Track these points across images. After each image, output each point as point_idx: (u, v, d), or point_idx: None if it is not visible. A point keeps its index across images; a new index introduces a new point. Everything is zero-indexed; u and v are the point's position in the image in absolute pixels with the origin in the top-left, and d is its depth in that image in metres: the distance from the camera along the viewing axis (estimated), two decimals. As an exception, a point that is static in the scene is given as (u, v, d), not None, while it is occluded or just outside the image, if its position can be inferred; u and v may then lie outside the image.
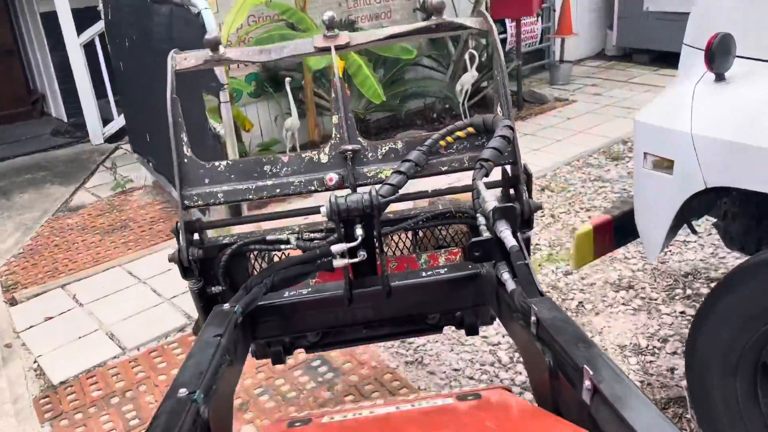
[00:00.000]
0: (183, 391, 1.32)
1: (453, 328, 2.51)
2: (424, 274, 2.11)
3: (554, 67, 9.27)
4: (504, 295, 1.71)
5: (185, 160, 2.11)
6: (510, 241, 1.57)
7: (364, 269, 2.03)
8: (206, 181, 2.11)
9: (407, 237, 2.42)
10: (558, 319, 1.42)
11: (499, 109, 2.15)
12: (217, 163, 2.13)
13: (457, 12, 7.31)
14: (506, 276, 1.67)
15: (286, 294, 2.06)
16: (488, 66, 7.05)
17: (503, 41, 8.42)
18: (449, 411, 1.31)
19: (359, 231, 1.85)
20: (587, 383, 1.18)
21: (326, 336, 2.40)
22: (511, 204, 1.76)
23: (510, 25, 8.33)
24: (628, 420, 1.05)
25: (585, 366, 1.18)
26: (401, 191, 1.95)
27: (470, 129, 2.10)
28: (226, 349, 1.59)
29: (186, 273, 2.08)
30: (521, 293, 1.58)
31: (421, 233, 2.43)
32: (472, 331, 2.43)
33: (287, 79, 5.80)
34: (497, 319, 2.07)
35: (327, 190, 2.08)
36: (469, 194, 1.96)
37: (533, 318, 1.46)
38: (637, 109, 3.10)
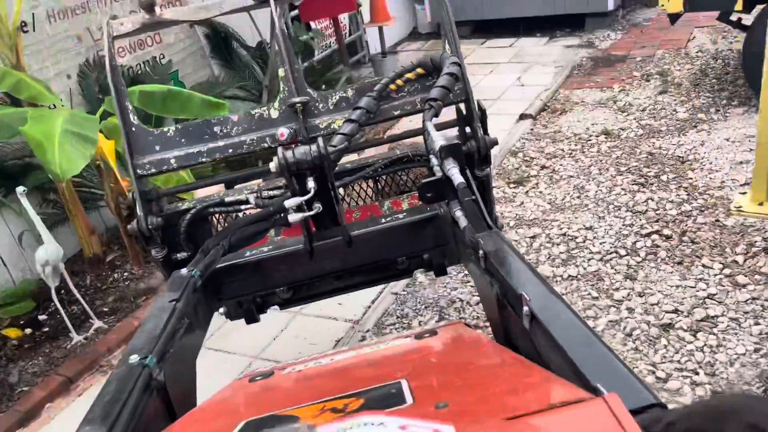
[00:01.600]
0: (134, 358, 1.30)
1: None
2: (383, 220, 2.10)
3: (378, 62, 7.64)
4: (458, 232, 1.70)
5: (133, 129, 2.06)
6: (457, 178, 1.57)
7: (326, 221, 1.97)
8: (157, 147, 2.05)
9: (368, 186, 2.43)
10: (501, 250, 1.42)
11: (447, 46, 2.13)
12: (165, 129, 2.09)
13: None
14: (458, 213, 1.67)
15: (248, 253, 2.05)
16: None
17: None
18: (406, 351, 1.35)
19: (311, 183, 1.80)
20: (525, 309, 1.19)
21: (298, 291, 2.34)
22: (456, 142, 1.73)
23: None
24: (560, 341, 1.05)
25: (523, 293, 1.19)
26: (354, 139, 1.93)
27: (419, 70, 2.07)
28: (183, 313, 1.57)
29: (148, 242, 2.04)
30: (470, 229, 1.58)
31: (382, 181, 2.43)
32: (441, 272, 2.38)
33: (20, 191, 3.50)
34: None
35: (280, 145, 1.97)
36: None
37: (481, 252, 1.46)
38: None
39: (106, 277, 4.74)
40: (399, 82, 2.06)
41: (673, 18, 5.59)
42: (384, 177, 2.38)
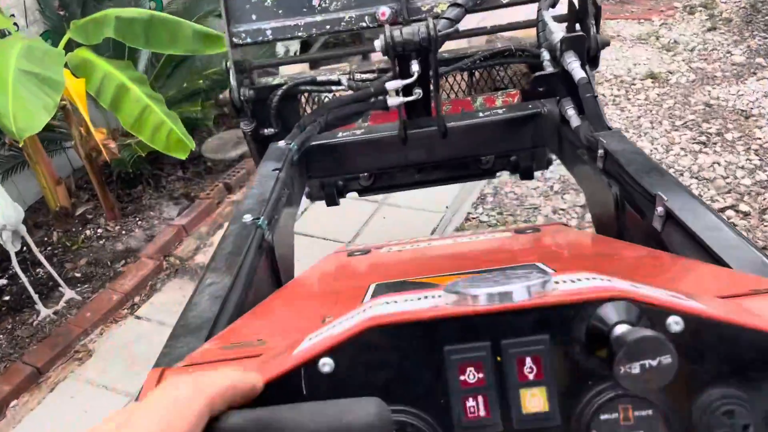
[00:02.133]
0: (248, 217, 1.33)
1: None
2: (481, 114, 2.00)
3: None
4: (567, 132, 1.66)
5: None
6: (578, 73, 1.52)
7: (419, 110, 1.96)
8: (253, 17, 2.00)
9: (462, 78, 2.33)
10: (628, 150, 1.38)
11: None
12: None
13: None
14: (571, 112, 1.62)
15: (340, 134, 2.00)
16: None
17: None
18: (510, 240, 1.37)
19: (415, 67, 1.74)
20: (660, 210, 1.15)
21: (378, 179, 2.35)
22: (581, 33, 1.66)
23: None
24: (705, 240, 1.00)
25: (659, 192, 1.15)
26: (459, 26, 1.84)
27: None
28: (284, 182, 1.60)
29: (239, 113, 2.01)
30: (588, 127, 1.53)
31: (477, 74, 2.34)
32: (527, 176, 2.34)
33: None
34: (554, 161, 2.16)
35: (380, 25, 1.97)
36: (531, 32, 1.95)
37: (600, 151, 1.42)
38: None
39: (76, 234, 4.03)
40: None
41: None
42: (480, 70, 2.31)
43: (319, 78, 2.08)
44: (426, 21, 1.72)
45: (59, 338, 3.25)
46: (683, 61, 4.96)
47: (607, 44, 2.00)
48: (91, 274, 3.75)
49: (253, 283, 1.20)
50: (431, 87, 1.87)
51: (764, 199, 3.42)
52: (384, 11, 1.99)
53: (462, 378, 0.61)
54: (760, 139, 3.92)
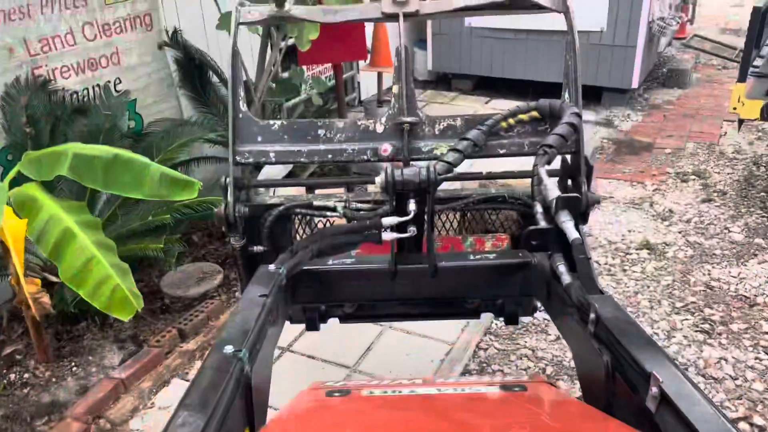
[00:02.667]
0: (229, 348, 1.31)
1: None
2: (472, 257, 2.03)
3: (371, 109, 6.69)
4: (557, 288, 1.69)
5: (240, 116, 2.04)
6: (572, 233, 1.55)
7: (410, 246, 2.01)
8: (259, 138, 2.06)
9: (455, 217, 2.42)
10: (621, 319, 1.37)
11: (566, 95, 2.09)
12: (271, 122, 2.08)
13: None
14: (562, 269, 1.65)
15: (330, 262, 2.02)
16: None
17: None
18: (494, 399, 1.32)
19: (412, 206, 1.78)
20: (654, 390, 1.13)
21: (362, 308, 2.33)
22: (576, 195, 1.75)
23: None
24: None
25: (653, 372, 1.13)
26: (456, 170, 1.89)
27: (534, 113, 2.02)
28: (270, 309, 1.59)
29: (230, 229, 2.03)
30: (579, 288, 1.55)
31: (469, 215, 2.41)
32: (512, 321, 2.33)
33: None
34: (539, 311, 2.23)
35: (380, 161, 2.05)
36: (522, 181, 2.06)
37: (592, 315, 1.42)
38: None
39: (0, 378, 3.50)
40: (511, 120, 2.02)
41: (741, 123, 4.79)
42: (472, 212, 2.38)
43: (316, 203, 2.11)
44: (428, 165, 1.76)
45: None
46: (679, 233, 4.76)
47: (598, 202, 2.08)
48: (5, 432, 3.19)
49: (226, 422, 1.16)
50: (425, 226, 1.89)
51: (780, 411, 3.06)
52: (386, 148, 2.04)
53: None
54: (767, 334, 3.61)
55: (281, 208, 2.08)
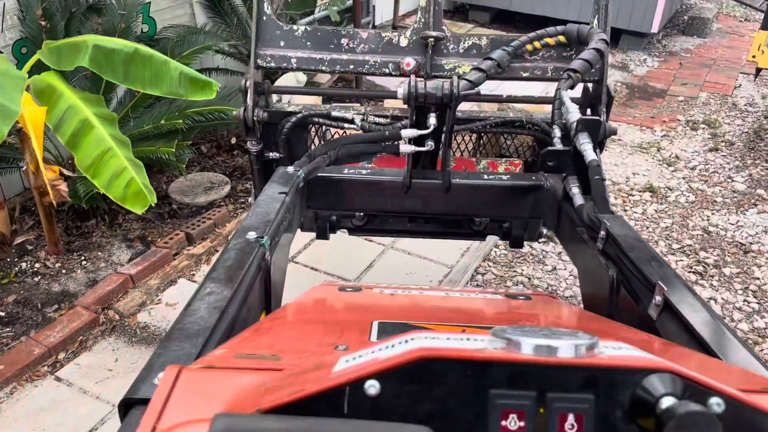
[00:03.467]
0: (252, 234, 1.36)
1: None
2: (485, 177, 2.03)
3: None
4: (568, 209, 1.72)
5: (264, 18, 2.02)
6: (590, 154, 1.58)
7: (424, 162, 1.98)
8: (281, 43, 2.05)
9: (470, 139, 2.43)
10: (630, 236, 1.41)
11: (595, 21, 2.06)
12: (294, 27, 2.06)
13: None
14: (575, 190, 1.68)
15: (345, 171, 2.00)
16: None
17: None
18: (502, 302, 1.38)
19: (432, 120, 1.77)
20: (658, 299, 1.18)
21: (372, 221, 2.34)
22: (597, 118, 1.79)
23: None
24: (701, 334, 1.03)
25: (659, 282, 1.18)
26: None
27: (561, 38, 2.01)
28: (288, 207, 1.64)
29: (248, 133, 2.04)
30: (592, 207, 1.58)
31: (485, 138, 2.44)
32: (517, 244, 2.35)
33: None
34: (543, 237, 2.27)
35: (402, 75, 2.03)
36: (541, 107, 2.19)
37: (602, 233, 1.47)
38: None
39: (11, 266, 3.60)
40: (537, 44, 2.00)
41: (758, 72, 4.75)
42: (489, 135, 2.38)
43: (334, 113, 2.12)
44: (451, 79, 1.74)
45: (-41, 393, 2.80)
46: (683, 179, 4.80)
47: (614, 133, 2.08)
48: (17, 316, 3.31)
49: (247, 299, 1.22)
50: (442, 142, 1.87)
51: (761, 350, 3.18)
52: (409, 62, 2.04)
53: (504, 423, 0.62)
54: (758, 279, 3.71)
55: (300, 115, 2.09)
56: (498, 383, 0.61)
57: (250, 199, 1.94)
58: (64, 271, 3.62)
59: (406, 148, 1.86)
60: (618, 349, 0.65)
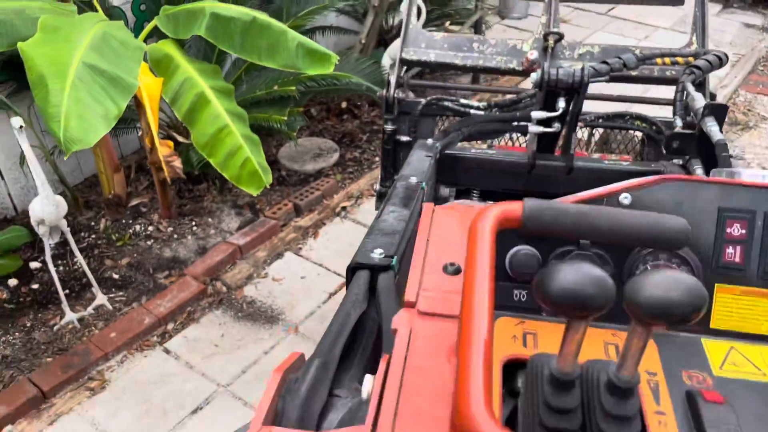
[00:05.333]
0: (413, 179, 1.53)
1: None
2: (606, 162, 2.08)
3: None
4: None
5: (410, 27, 2.33)
6: (717, 135, 1.63)
7: (546, 147, 2.04)
8: (422, 45, 2.33)
9: (582, 134, 2.54)
10: None
11: (693, 37, 2.25)
12: (435, 33, 2.34)
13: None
14: (699, 171, 1.74)
15: (472, 150, 2.10)
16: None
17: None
18: None
19: (561, 104, 1.86)
20: None
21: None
22: (725, 104, 1.85)
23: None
24: None
25: None
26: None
27: (691, 59, 2.08)
28: (433, 169, 1.81)
29: (387, 110, 2.22)
30: None
31: (596, 134, 2.60)
32: None
33: (16, 125, 2.43)
34: None
35: (524, 71, 2.23)
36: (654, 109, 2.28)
37: None
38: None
39: (125, 227, 3.64)
40: (667, 60, 2.08)
41: None
42: (599, 131, 2.51)
43: (462, 101, 2.28)
44: (582, 66, 1.83)
45: (75, 358, 2.85)
46: None
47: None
48: (130, 280, 3.35)
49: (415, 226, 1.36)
50: (566, 125, 1.96)
51: None
52: (533, 52, 2.24)
53: (728, 230, 0.82)
54: None
55: (432, 98, 2.27)
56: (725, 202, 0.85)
57: (375, 185, 2.04)
58: (175, 235, 3.62)
59: (534, 128, 1.94)
60: None
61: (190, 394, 2.76)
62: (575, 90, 1.86)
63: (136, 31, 3.59)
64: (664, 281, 0.59)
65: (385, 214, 1.30)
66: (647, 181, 0.83)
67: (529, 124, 1.97)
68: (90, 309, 3.15)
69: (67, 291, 3.23)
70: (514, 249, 0.88)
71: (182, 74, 2.54)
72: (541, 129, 1.95)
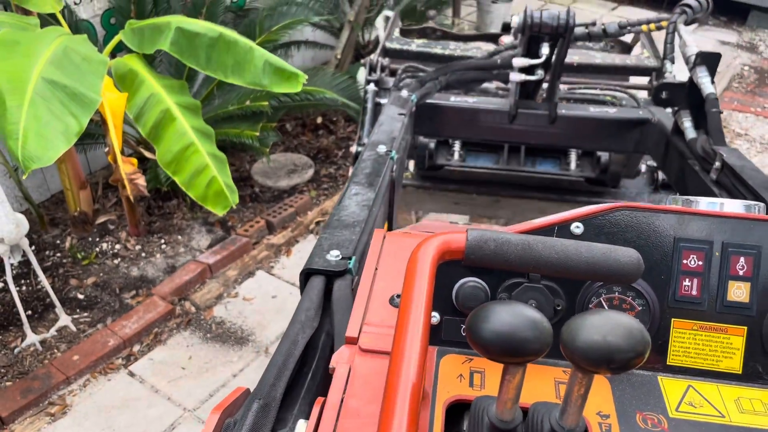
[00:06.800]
0: (382, 148, 1.46)
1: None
2: (591, 109, 2.03)
3: (484, 7, 6.22)
4: (678, 143, 1.74)
5: (393, 36, 2.45)
6: (708, 87, 1.59)
7: (530, 93, 2.00)
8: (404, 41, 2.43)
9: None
10: (748, 167, 1.42)
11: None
12: (417, 40, 2.46)
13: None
14: (688, 124, 1.68)
15: (451, 99, 2.05)
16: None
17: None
18: None
19: (545, 50, 1.78)
20: None
21: (468, 158, 2.36)
22: (717, 52, 1.71)
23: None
24: None
25: None
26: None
27: (663, 23, 1.96)
28: (406, 128, 1.71)
29: (371, 72, 2.20)
30: (706, 140, 1.59)
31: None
32: (615, 182, 2.32)
33: None
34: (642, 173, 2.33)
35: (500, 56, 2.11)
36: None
37: (717, 164, 1.48)
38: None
39: (92, 246, 3.54)
40: (653, 26, 1.95)
41: None
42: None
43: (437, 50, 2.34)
44: (567, 9, 1.73)
45: (36, 382, 2.75)
46: (823, 186, 4.20)
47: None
48: (95, 300, 3.25)
49: (384, 202, 1.35)
50: (549, 74, 1.89)
51: None
52: (503, 39, 2.28)
53: (684, 262, 0.80)
54: None
55: (408, 65, 2.21)
56: (681, 231, 0.80)
57: (353, 147, 1.96)
58: (143, 254, 3.53)
59: (515, 76, 1.86)
60: None
61: (154, 419, 2.67)
62: (560, 35, 1.77)
63: (106, 45, 3.53)
64: (602, 324, 0.55)
65: (347, 198, 1.25)
66: (600, 209, 0.80)
67: (510, 71, 1.89)
68: (53, 331, 3.05)
69: (30, 312, 3.12)
70: (461, 281, 0.82)
71: (147, 90, 2.47)
72: (523, 77, 1.86)
